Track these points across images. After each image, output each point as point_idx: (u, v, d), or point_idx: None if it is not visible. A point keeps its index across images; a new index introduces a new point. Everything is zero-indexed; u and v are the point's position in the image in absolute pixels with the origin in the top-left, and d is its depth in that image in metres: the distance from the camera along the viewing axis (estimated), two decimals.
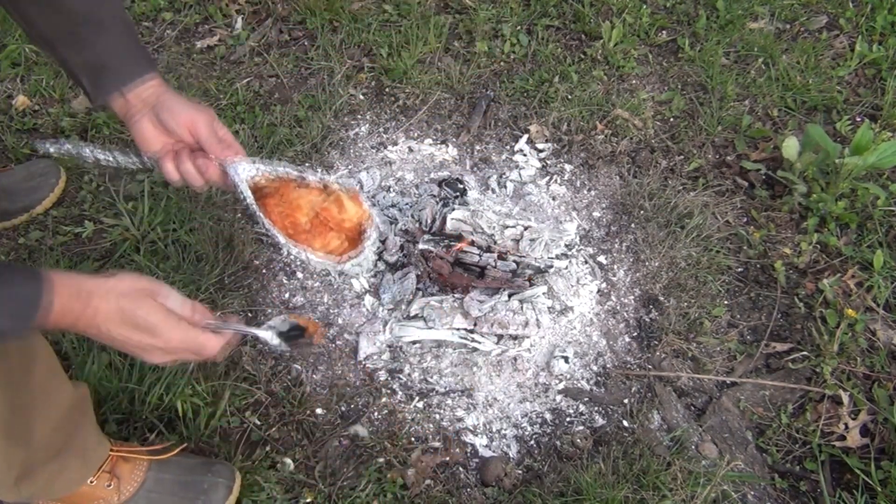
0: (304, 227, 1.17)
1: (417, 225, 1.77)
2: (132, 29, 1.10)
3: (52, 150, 1.16)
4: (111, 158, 1.15)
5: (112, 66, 1.05)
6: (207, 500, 1.36)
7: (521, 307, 1.65)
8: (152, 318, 0.91)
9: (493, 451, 1.55)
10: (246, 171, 1.12)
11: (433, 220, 1.73)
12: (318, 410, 1.56)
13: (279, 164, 1.16)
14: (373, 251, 1.19)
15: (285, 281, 1.76)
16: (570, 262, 1.80)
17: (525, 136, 2.07)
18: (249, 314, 1.70)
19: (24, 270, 0.85)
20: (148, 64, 1.09)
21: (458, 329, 1.63)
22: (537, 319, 1.65)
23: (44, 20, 1.03)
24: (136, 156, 1.14)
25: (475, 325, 1.62)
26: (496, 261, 1.68)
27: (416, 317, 1.66)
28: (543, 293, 1.69)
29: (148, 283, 0.94)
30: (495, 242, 1.69)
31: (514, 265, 1.69)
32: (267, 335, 1.10)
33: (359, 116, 2.10)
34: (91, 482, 1.28)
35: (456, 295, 1.68)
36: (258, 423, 1.53)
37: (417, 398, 1.60)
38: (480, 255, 1.68)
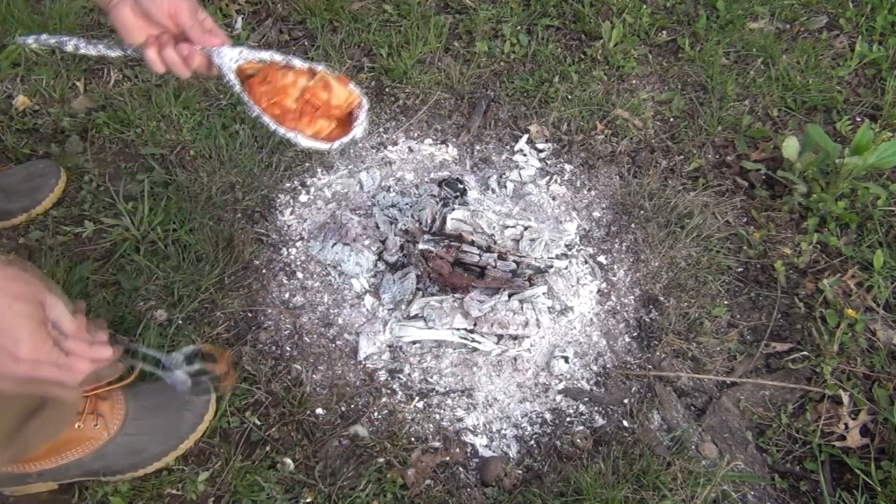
0: (292, 110, 1.14)
1: (417, 225, 1.77)
2: None
3: (32, 43, 1.14)
4: (94, 50, 1.14)
5: None
6: (192, 408, 1.44)
7: (521, 307, 1.65)
8: (21, 324, 0.81)
9: (493, 451, 1.55)
10: (231, 58, 1.11)
11: (433, 220, 1.73)
12: (318, 410, 1.56)
13: (265, 51, 1.15)
14: (362, 133, 1.16)
15: (285, 281, 1.76)
16: (570, 262, 1.80)
17: (525, 136, 2.07)
18: (250, 314, 1.70)
19: None
20: None
21: (458, 329, 1.63)
22: (537, 319, 1.66)
23: None
24: (120, 46, 1.12)
25: (475, 325, 1.62)
26: (496, 261, 1.68)
27: (416, 317, 1.66)
28: (543, 293, 1.69)
29: (37, 287, 0.85)
30: (495, 242, 1.69)
31: (514, 265, 1.69)
32: (175, 377, 1.10)
33: None
34: (78, 426, 1.34)
35: (456, 295, 1.68)
36: (258, 423, 1.53)
37: (417, 398, 1.60)
38: (480, 255, 1.68)
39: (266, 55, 1.15)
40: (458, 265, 1.70)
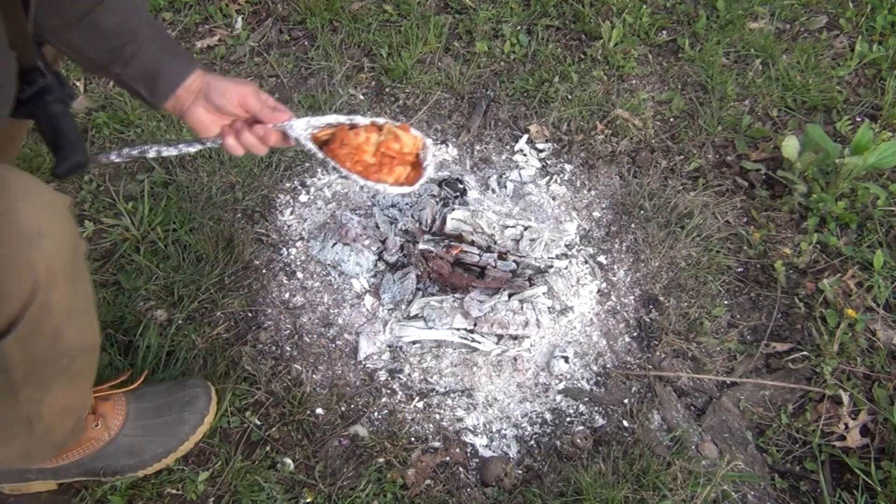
0: (372, 163, 1.26)
1: (417, 225, 1.77)
2: (164, 32, 1.17)
3: (115, 159, 1.22)
4: (175, 151, 1.24)
5: (162, 72, 1.13)
6: (193, 409, 1.43)
7: (521, 307, 1.65)
8: None
9: (493, 451, 1.55)
10: (303, 128, 1.22)
11: (433, 220, 1.73)
12: (318, 410, 1.56)
13: (327, 115, 1.26)
14: (433, 171, 1.30)
15: (285, 281, 1.76)
16: (570, 262, 1.80)
17: (525, 136, 2.07)
18: (250, 314, 1.70)
19: None
20: (190, 60, 1.16)
21: (458, 329, 1.63)
22: (537, 319, 1.66)
23: (89, 46, 1.09)
24: (198, 141, 1.22)
25: (475, 325, 1.62)
26: (496, 261, 1.68)
27: (416, 317, 1.66)
28: (543, 293, 1.69)
29: None
30: (495, 242, 1.69)
31: (514, 265, 1.69)
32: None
33: None
34: None
35: (456, 295, 1.68)
36: (258, 423, 1.53)
37: (417, 398, 1.60)
38: (480, 255, 1.68)
39: (332, 119, 1.26)
40: (458, 265, 1.70)
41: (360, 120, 1.28)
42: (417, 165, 1.29)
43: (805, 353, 1.69)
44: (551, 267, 1.73)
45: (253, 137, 1.19)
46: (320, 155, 1.24)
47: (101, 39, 1.10)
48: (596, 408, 1.62)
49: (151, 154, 1.23)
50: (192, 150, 1.24)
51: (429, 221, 1.74)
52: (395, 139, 1.26)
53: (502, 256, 1.69)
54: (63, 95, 1.01)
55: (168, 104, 1.16)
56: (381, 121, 1.29)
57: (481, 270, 1.70)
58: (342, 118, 1.28)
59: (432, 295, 1.69)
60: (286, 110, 1.21)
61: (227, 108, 1.17)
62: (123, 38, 1.10)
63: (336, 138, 1.26)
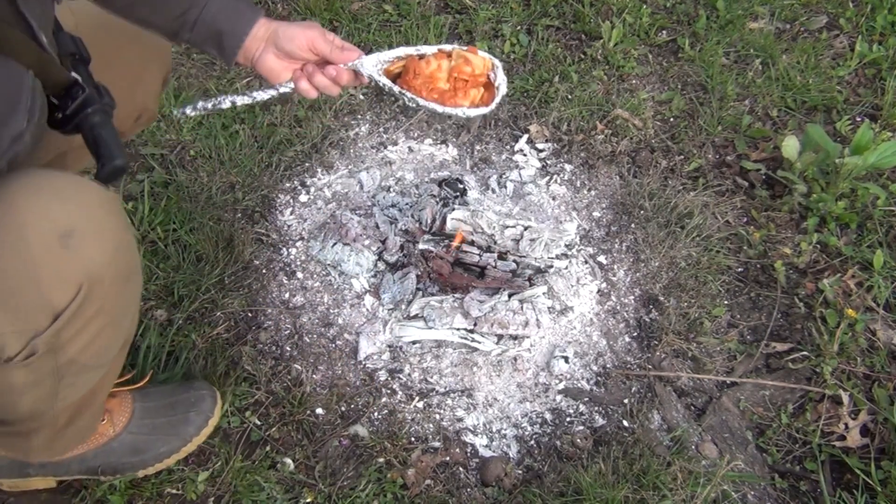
0: (447, 90, 1.27)
1: (417, 225, 1.77)
2: None
3: (191, 113, 1.24)
4: (248, 99, 1.25)
5: (227, 30, 1.16)
6: (199, 411, 1.43)
7: (521, 307, 1.65)
8: None
9: (493, 451, 1.55)
10: (373, 65, 1.22)
11: (433, 220, 1.73)
12: (318, 410, 1.56)
13: (395, 49, 1.27)
14: (505, 88, 1.30)
15: (285, 281, 1.76)
16: (570, 262, 1.80)
17: (525, 136, 2.08)
18: (250, 314, 1.70)
19: None
20: (253, 10, 1.19)
21: (458, 329, 1.63)
22: (537, 319, 1.66)
23: (156, 17, 1.15)
24: (272, 87, 1.23)
25: (475, 325, 1.62)
26: (496, 261, 1.68)
27: (416, 317, 1.66)
28: (543, 293, 1.69)
29: None
30: (495, 242, 1.69)
31: (514, 265, 1.69)
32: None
33: (359, 116, 2.10)
34: None
35: (456, 295, 1.68)
36: (258, 423, 1.53)
37: (417, 398, 1.60)
38: (480, 255, 1.68)
39: (400, 52, 1.27)
40: (458, 265, 1.70)
41: (427, 49, 1.28)
42: (490, 86, 1.29)
43: (805, 353, 1.69)
44: (551, 267, 1.73)
45: (325, 79, 1.20)
46: (396, 88, 1.24)
47: (165, 9, 1.14)
48: (596, 408, 1.62)
49: (226, 104, 1.23)
50: (267, 96, 1.25)
51: (429, 221, 1.74)
52: (465, 62, 1.27)
53: (502, 256, 1.69)
54: (103, 105, 1.02)
55: (240, 58, 1.18)
56: (447, 47, 1.29)
57: (481, 270, 1.70)
58: (410, 49, 1.28)
59: (432, 295, 1.69)
60: (355, 49, 1.22)
61: (296, 53, 1.18)
62: (185, 4, 1.14)
63: (408, 70, 1.26)
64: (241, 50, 1.17)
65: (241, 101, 1.24)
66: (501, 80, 1.29)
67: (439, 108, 1.24)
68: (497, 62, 1.29)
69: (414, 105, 1.26)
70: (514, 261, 1.69)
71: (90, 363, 1.05)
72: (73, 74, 1.00)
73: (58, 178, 0.93)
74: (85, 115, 1.00)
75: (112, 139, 1.00)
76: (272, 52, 1.18)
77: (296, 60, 1.21)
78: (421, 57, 1.27)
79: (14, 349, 0.90)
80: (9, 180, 0.88)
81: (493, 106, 1.28)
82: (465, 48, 1.28)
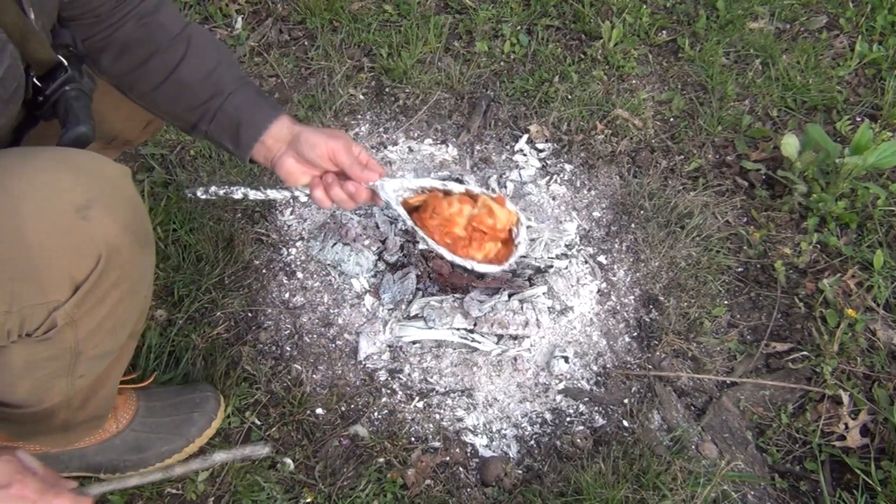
0: (462, 237, 1.21)
1: None
2: (249, 82, 1.18)
3: (202, 195, 1.22)
4: (261, 195, 1.22)
5: (245, 122, 1.13)
6: (202, 412, 1.44)
7: (521, 307, 1.65)
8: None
9: (493, 451, 1.55)
10: (394, 190, 1.17)
11: None
12: (318, 410, 1.57)
13: (422, 178, 1.22)
14: (524, 250, 1.24)
15: (285, 281, 1.76)
16: (570, 262, 1.80)
17: (525, 136, 2.08)
18: (250, 314, 1.70)
19: None
20: (274, 108, 1.16)
21: (458, 329, 1.63)
22: (537, 319, 1.66)
23: (177, 105, 1.13)
24: (287, 189, 1.20)
25: (475, 325, 1.62)
26: None
27: (416, 317, 1.66)
28: (543, 293, 1.69)
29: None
30: None
31: (514, 265, 1.69)
32: None
33: (359, 116, 2.10)
34: None
35: (456, 295, 1.68)
36: (258, 423, 1.53)
37: (417, 398, 1.60)
38: None
39: (426, 183, 1.21)
40: (458, 265, 1.70)
41: (454, 187, 1.22)
42: (508, 241, 1.23)
43: (805, 353, 1.69)
44: (551, 267, 1.73)
45: (343, 193, 1.17)
46: (409, 222, 1.20)
47: (187, 97, 1.13)
48: (596, 408, 1.62)
49: (238, 196, 1.22)
50: (280, 196, 1.23)
51: None
52: (489, 213, 1.21)
53: None
54: (81, 84, 1.02)
55: (258, 155, 1.16)
56: (476, 190, 1.23)
57: None
58: (437, 183, 1.22)
59: (432, 295, 1.69)
60: (378, 167, 1.19)
61: (317, 162, 1.16)
62: (208, 93, 1.13)
63: (428, 206, 1.21)
64: (260, 146, 1.15)
65: (254, 195, 1.22)
66: (523, 240, 1.22)
67: (448, 256, 1.19)
68: (523, 219, 1.23)
69: (424, 245, 1.21)
70: (515, 261, 1.69)
71: (106, 341, 1.05)
72: (60, 58, 1.00)
73: (71, 153, 0.94)
74: (63, 92, 1.00)
75: (83, 111, 1.01)
76: (293, 155, 1.16)
77: (315, 167, 1.18)
78: (446, 194, 1.21)
79: (35, 323, 0.91)
80: (24, 156, 0.89)
81: (505, 266, 1.21)
82: (493, 196, 1.22)
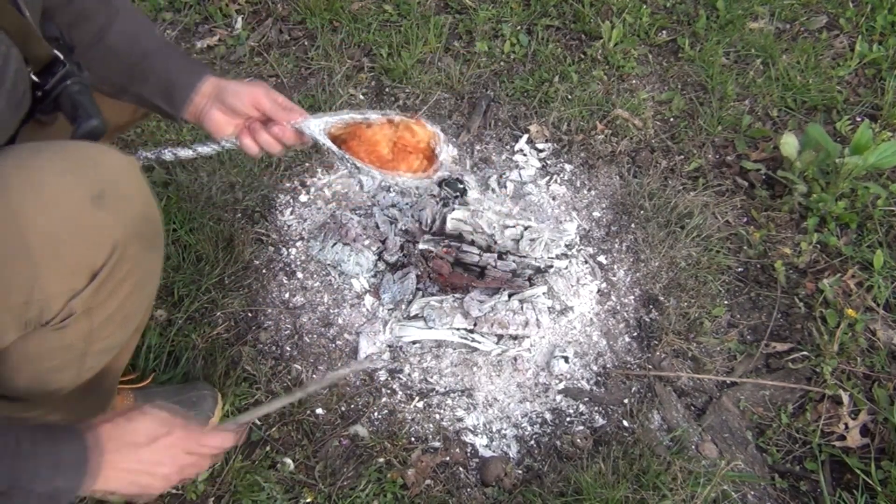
0: (388, 156, 1.29)
1: (417, 225, 1.77)
2: (175, 46, 1.23)
3: (141, 163, 1.24)
4: (191, 153, 1.26)
5: (177, 83, 1.18)
6: (199, 411, 1.45)
7: (521, 307, 1.65)
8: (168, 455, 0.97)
9: (493, 451, 1.55)
10: (318, 126, 1.24)
11: (433, 220, 1.73)
12: (318, 410, 1.56)
13: (341, 112, 1.28)
14: (447, 157, 1.33)
15: (285, 281, 1.76)
16: (570, 262, 1.80)
17: (525, 136, 2.08)
18: (250, 314, 1.70)
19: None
20: (202, 68, 1.20)
21: (458, 329, 1.63)
22: (537, 319, 1.66)
23: (108, 69, 1.16)
24: (214, 142, 1.24)
25: (475, 325, 1.62)
26: (496, 261, 1.68)
27: (416, 317, 1.66)
28: (543, 293, 1.69)
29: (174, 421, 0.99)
30: (495, 242, 1.69)
31: (514, 265, 1.69)
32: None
33: None
34: None
35: (456, 295, 1.68)
36: (258, 422, 1.53)
37: (417, 398, 1.60)
38: (480, 255, 1.68)
39: (346, 116, 1.28)
40: (458, 265, 1.70)
41: (374, 117, 1.30)
42: (432, 156, 1.32)
43: (805, 353, 1.69)
44: (551, 267, 1.73)
45: (269, 136, 1.21)
46: (337, 151, 1.26)
47: (117, 61, 1.16)
48: (596, 408, 1.62)
49: (167, 156, 1.25)
50: (209, 150, 1.26)
51: (429, 221, 1.74)
52: (410, 133, 1.29)
53: (502, 256, 1.69)
54: (82, 78, 1.05)
55: (187, 113, 1.19)
56: (395, 117, 1.31)
57: (481, 270, 1.70)
58: (357, 116, 1.29)
59: (432, 295, 1.69)
60: (298, 109, 1.23)
61: (240, 109, 1.20)
62: (136, 57, 1.16)
63: (352, 135, 1.29)
64: (191, 104, 1.18)
65: (183, 153, 1.26)
66: (443, 150, 1.31)
67: (376, 173, 1.26)
68: (441, 135, 1.32)
69: (354, 169, 1.27)
70: (514, 261, 1.69)
71: (116, 333, 1.06)
72: (56, 52, 1.02)
73: (82, 146, 0.97)
74: (65, 87, 1.02)
75: (90, 104, 1.03)
76: (217, 106, 1.19)
77: (239, 116, 1.22)
78: (369, 125, 1.29)
79: (54, 311, 0.92)
80: (38, 150, 0.91)
81: (433, 175, 1.30)
82: (411, 119, 1.31)
